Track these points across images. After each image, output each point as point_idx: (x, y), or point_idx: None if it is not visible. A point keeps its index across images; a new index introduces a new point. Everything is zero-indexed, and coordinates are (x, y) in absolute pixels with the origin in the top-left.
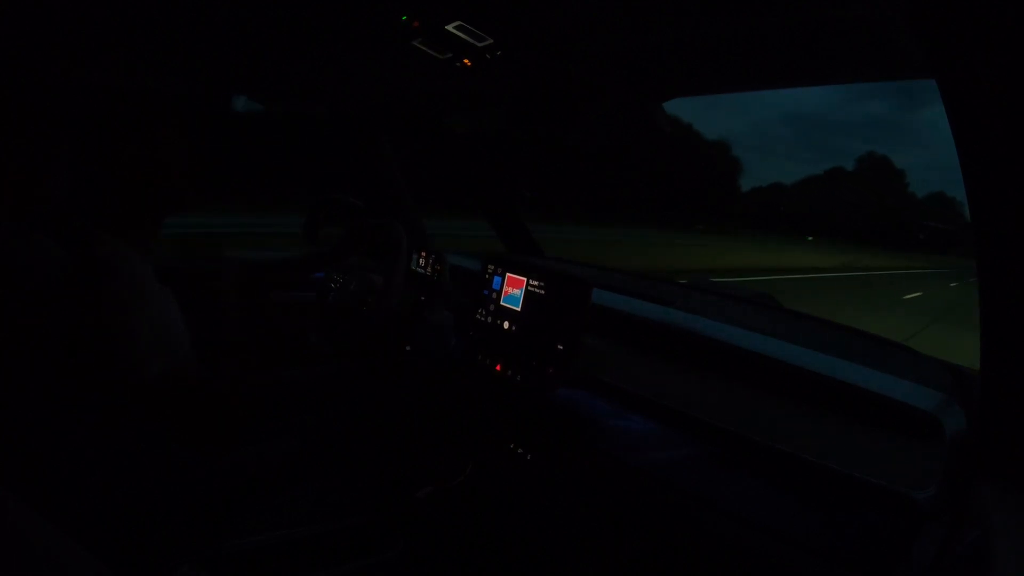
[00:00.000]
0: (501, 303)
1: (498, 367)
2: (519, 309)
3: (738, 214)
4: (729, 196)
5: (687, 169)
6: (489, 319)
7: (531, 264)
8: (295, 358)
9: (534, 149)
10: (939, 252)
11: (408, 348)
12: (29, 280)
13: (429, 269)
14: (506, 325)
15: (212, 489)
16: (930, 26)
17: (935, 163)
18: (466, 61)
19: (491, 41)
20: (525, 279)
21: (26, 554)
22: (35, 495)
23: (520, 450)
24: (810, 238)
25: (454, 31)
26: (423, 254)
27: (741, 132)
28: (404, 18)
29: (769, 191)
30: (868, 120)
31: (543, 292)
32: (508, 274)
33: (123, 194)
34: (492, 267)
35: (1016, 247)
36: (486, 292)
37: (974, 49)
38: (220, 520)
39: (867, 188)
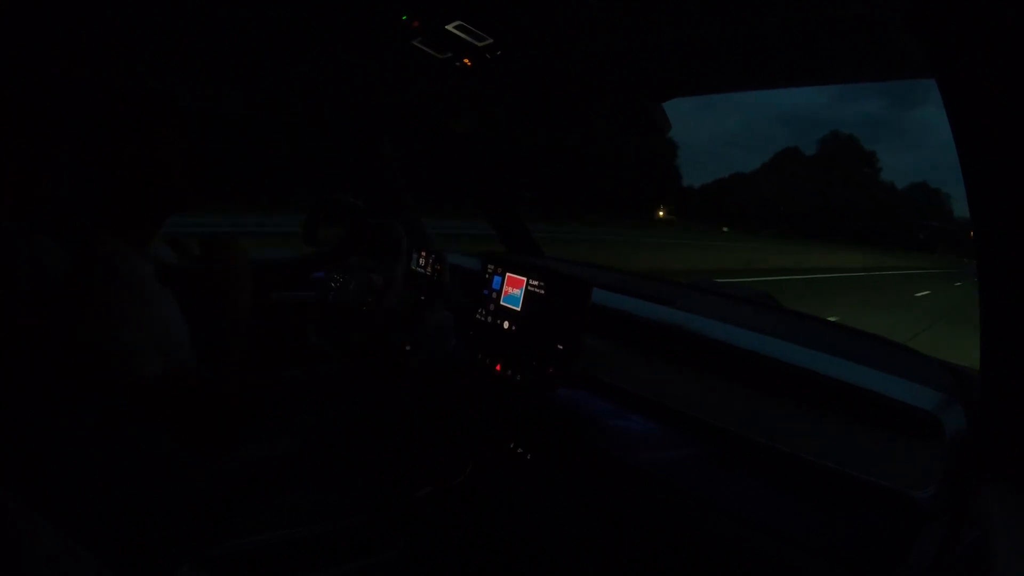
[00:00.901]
0: (501, 303)
1: (498, 367)
2: (519, 309)
3: (692, 207)
4: (667, 187)
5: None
6: (489, 319)
7: (531, 264)
8: (295, 358)
9: (532, 149)
10: (922, 250)
11: (408, 348)
12: (29, 280)
13: (429, 269)
14: (506, 325)
15: (212, 489)
16: (930, 26)
17: (927, 162)
18: (466, 61)
19: (491, 41)
20: (525, 279)
21: (26, 554)
22: (35, 495)
23: (520, 450)
24: (725, 228)
25: (454, 31)
26: (423, 254)
27: (735, 131)
28: (404, 18)
29: (730, 181)
30: (862, 119)
31: (543, 292)
32: (508, 274)
33: (123, 194)
34: (492, 267)
35: (1016, 247)
36: (486, 292)
37: (974, 49)
38: (220, 520)
39: (834, 173)
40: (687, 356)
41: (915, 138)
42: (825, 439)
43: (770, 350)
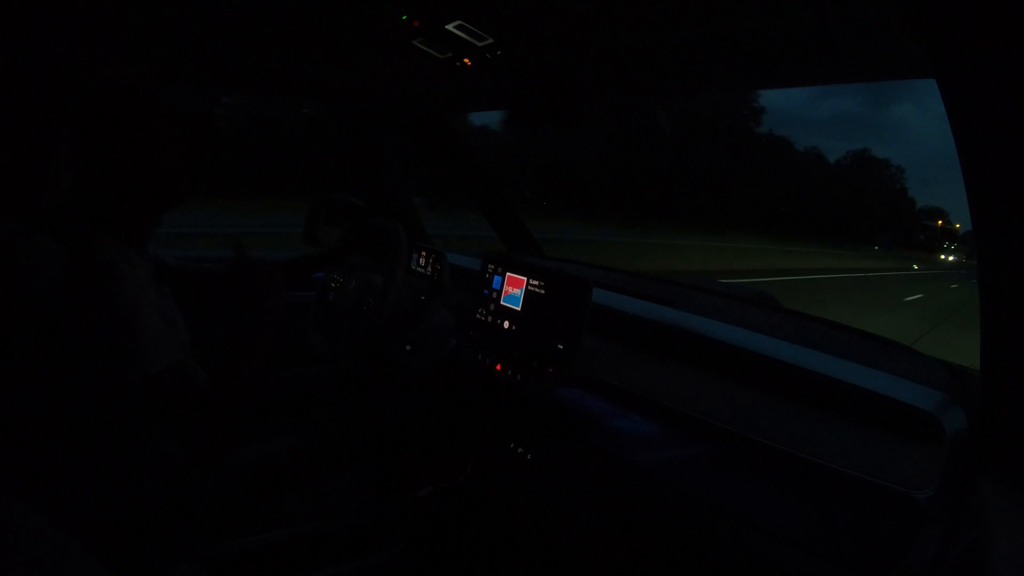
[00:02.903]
0: (501, 303)
1: (498, 367)
2: (519, 309)
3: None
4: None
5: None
6: (489, 319)
7: (531, 264)
8: (295, 358)
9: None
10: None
11: (408, 348)
12: (29, 280)
13: (429, 269)
14: (506, 325)
15: (212, 489)
16: (930, 26)
17: (910, 159)
18: (466, 60)
19: (491, 40)
20: (525, 279)
21: (26, 554)
22: (35, 495)
23: (520, 450)
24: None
25: (454, 31)
26: (423, 254)
27: None
28: (404, 18)
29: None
30: (838, 118)
31: (543, 292)
32: (508, 273)
33: (123, 194)
34: (492, 267)
35: (1016, 247)
36: (486, 292)
37: (974, 49)
38: (220, 520)
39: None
40: (687, 356)
41: (894, 135)
42: (825, 439)
43: (770, 350)
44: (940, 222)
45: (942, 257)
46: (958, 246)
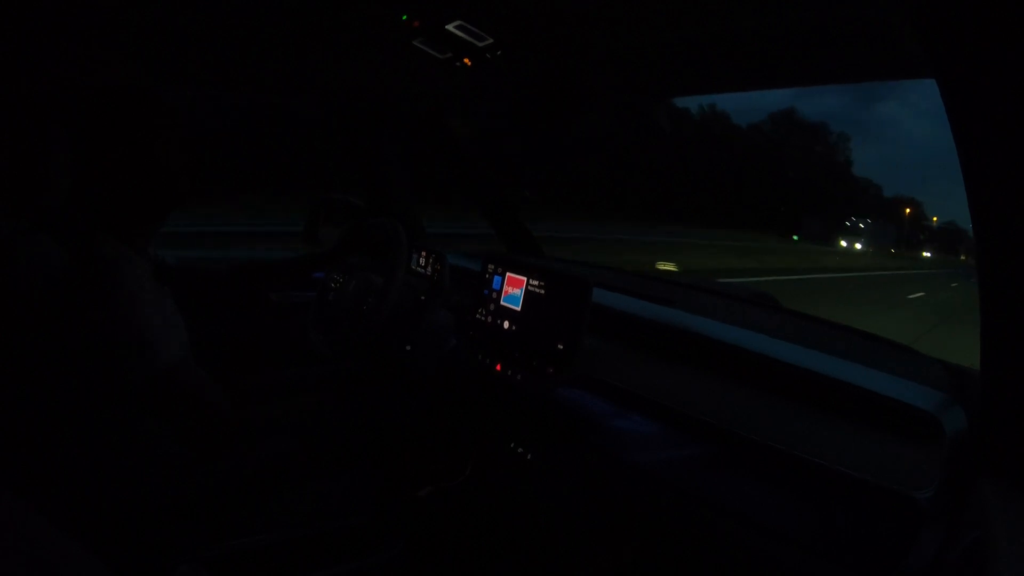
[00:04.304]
0: (501, 303)
1: (498, 367)
2: (519, 309)
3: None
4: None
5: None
6: (489, 319)
7: (531, 264)
8: (295, 358)
9: (531, 149)
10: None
11: (408, 348)
12: (29, 280)
13: (429, 269)
14: (506, 325)
15: (212, 489)
16: (930, 26)
17: (897, 157)
18: (466, 61)
19: (491, 41)
20: (525, 279)
21: (26, 553)
22: (35, 495)
23: (520, 450)
24: None
25: (454, 31)
26: (423, 254)
27: None
28: (404, 18)
29: None
30: (826, 116)
31: (543, 292)
32: (508, 274)
33: (123, 194)
34: (492, 267)
35: (1016, 247)
36: (486, 292)
37: (974, 49)
38: (220, 520)
39: None
40: (687, 356)
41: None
42: (825, 439)
43: (770, 350)
44: (908, 210)
45: (843, 244)
46: (868, 226)
